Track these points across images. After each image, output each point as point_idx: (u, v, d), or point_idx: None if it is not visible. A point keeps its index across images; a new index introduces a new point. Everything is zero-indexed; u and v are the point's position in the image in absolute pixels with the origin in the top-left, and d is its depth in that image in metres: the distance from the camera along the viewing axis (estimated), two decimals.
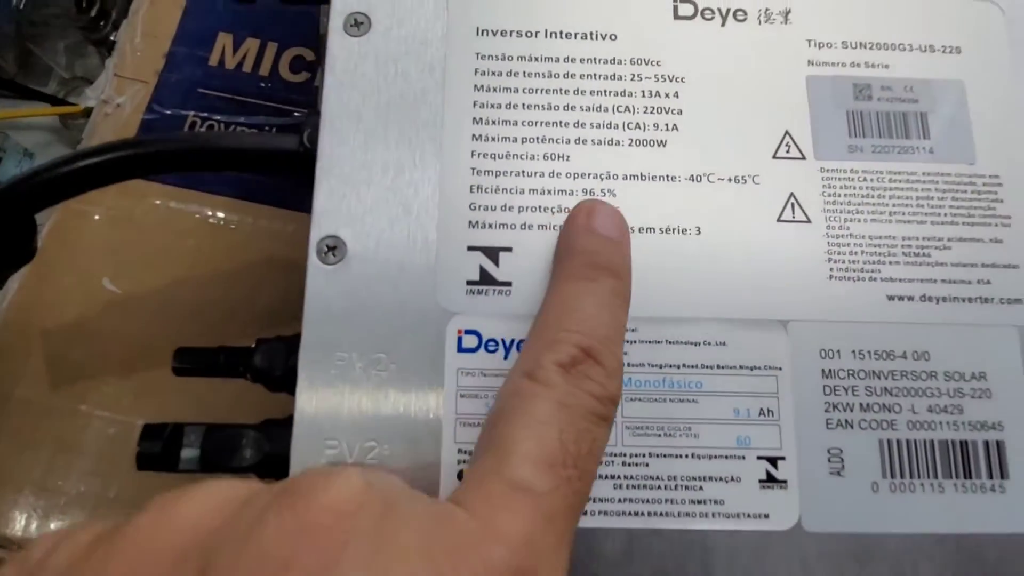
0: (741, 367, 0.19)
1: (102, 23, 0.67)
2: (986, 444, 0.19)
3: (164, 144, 0.21)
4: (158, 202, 0.33)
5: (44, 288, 0.32)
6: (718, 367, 0.19)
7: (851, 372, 0.19)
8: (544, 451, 0.14)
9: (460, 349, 0.18)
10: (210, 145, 0.21)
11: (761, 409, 0.18)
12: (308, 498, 0.12)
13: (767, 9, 0.21)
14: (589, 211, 0.19)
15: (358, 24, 0.21)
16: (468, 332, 0.19)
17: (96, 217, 0.33)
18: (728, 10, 0.21)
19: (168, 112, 0.35)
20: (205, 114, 0.35)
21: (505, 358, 0.18)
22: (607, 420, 0.16)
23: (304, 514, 0.11)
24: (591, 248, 0.18)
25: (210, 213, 0.33)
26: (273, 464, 0.18)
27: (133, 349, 0.31)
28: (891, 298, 0.19)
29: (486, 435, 0.16)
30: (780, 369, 0.19)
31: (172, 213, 0.33)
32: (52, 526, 0.29)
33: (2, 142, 0.63)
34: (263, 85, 0.35)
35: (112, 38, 0.51)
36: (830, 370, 0.19)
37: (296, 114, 0.35)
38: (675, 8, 0.21)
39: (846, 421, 0.18)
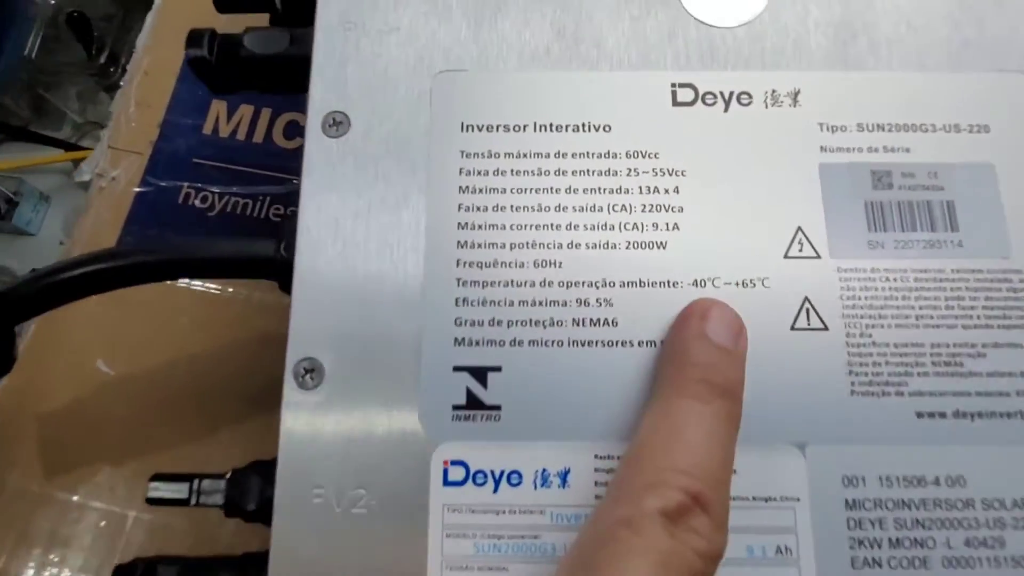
0: (754, 498, 0.17)
1: (112, 69, 0.67)
2: None
3: (141, 256, 0.20)
4: None
5: (37, 372, 0.31)
6: (731, 499, 0.17)
7: (878, 502, 0.17)
8: None
9: (446, 482, 0.17)
10: (186, 256, 0.20)
11: (778, 547, 0.17)
12: None
13: (774, 91, 0.20)
14: (703, 313, 0.17)
15: (337, 124, 0.19)
16: (455, 463, 0.17)
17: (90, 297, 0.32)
18: (731, 93, 0.20)
19: (163, 184, 0.34)
20: (199, 184, 0.34)
21: (495, 491, 0.17)
22: None
23: None
24: (706, 360, 0.16)
25: (207, 286, 0.32)
26: None
27: (127, 433, 0.30)
28: (920, 415, 0.17)
29: None
30: (798, 500, 0.17)
31: (165, 289, 0.32)
32: None
33: (18, 187, 0.63)
34: (258, 153, 0.34)
35: (122, 83, 0.51)
36: (855, 500, 0.17)
37: (295, 181, 0.34)
38: (673, 94, 0.20)
39: (874, 559, 0.17)
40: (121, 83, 0.51)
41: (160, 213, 0.34)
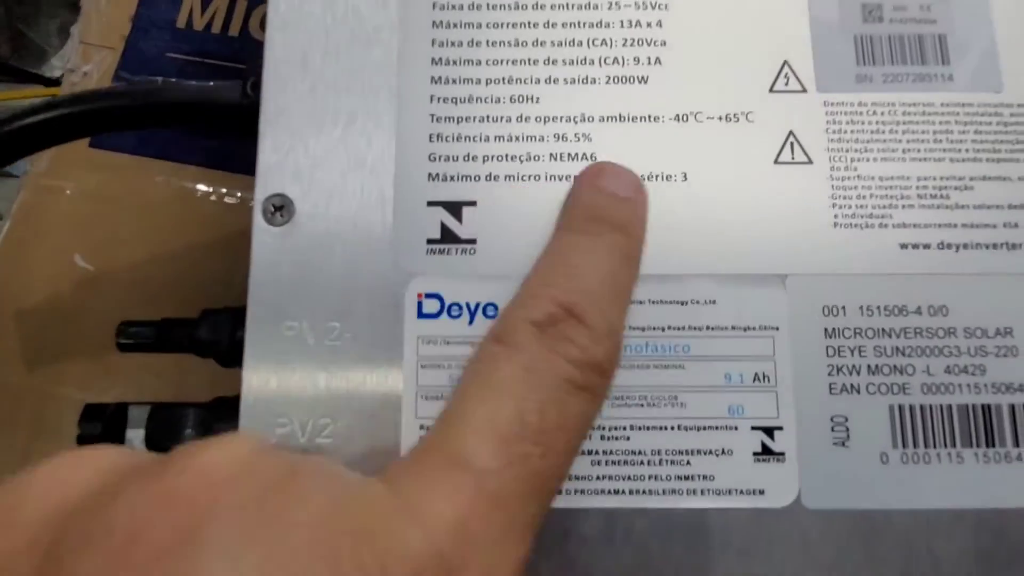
0: (733, 328, 0.17)
1: None
2: (1012, 408, 0.16)
3: (104, 101, 0.19)
4: (129, 174, 0.32)
5: (15, 268, 0.31)
6: (707, 328, 0.17)
7: (858, 331, 0.17)
8: (496, 423, 0.13)
9: (421, 315, 0.17)
10: (150, 100, 0.19)
11: (756, 374, 0.16)
12: (179, 465, 0.10)
13: None
14: (598, 170, 0.17)
15: None
16: (429, 296, 0.17)
17: (67, 192, 0.32)
18: None
19: (137, 79, 0.33)
20: (174, 80, 0.33)
21: (470, 323, 0.17)
22: (589, 390, 0.14)
23: (168, 482, 0.10)
24: (596, 202, 0.16)
25: (184, 184, 0.32)
26: None
27: (107, 328, 0.30)
28: (904, 246, 0.17)
29: (445, 406, 0.14)
30: (777, 329, 0.17)
31: (144, 186, 0.32)
32: None
33: None
34: (234, 46, 0.33)
35: None
36: (834, 329, 0.17)
37: None
38: None
39: (852, 386, 0.16)
40: None
41: None
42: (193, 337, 0.18)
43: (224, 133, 0.28)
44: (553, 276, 0.15)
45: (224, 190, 0.31)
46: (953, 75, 0.18)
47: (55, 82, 0.62)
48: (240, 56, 0.33)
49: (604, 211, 0.16)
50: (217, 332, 0.17)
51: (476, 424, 0.13)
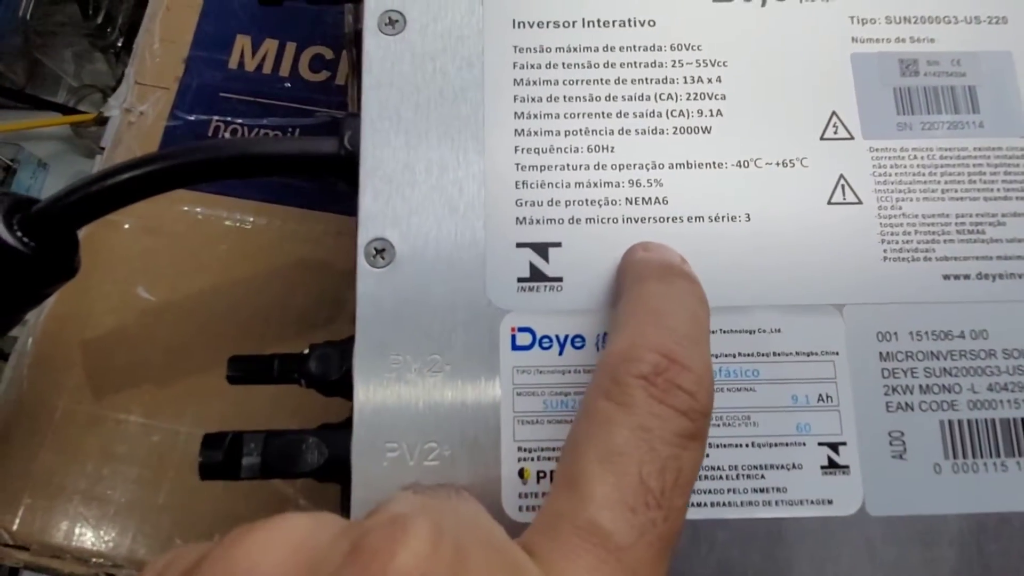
0: (798, 353, 0.18)
1: (108, 29, 0.67)
2: None
3: (207, 153, 0.21)
4: (186, 208, 0.33)
5: (80, 299, 0.32)
6: (774, 354, 0.18)
7: (909, 354, 0.19)
8: (624, 493, 0.13)
9: (515, 347, 0.18)
10: (252, 152, 0.21)
11: (820, 395, 0.18)
12: (380, 561, 0.11)
13: None
14: (644, 245, 0.19)
15: (392, 23, 0.20)
16: (522, 330, 0.19)
17: (126, 226, 0.33)
18: None
19: (191, 118, 0.35)
20: (228, 118, 0.35)
21: (560, 354, 0.18)
22: (697, 438, 0.14)
23: None
24: (656, 257, 0.18)
25: (239, 217, 0.33)
26: (334, 468, 0.18)
27: (171, 356, 0.31)
28: (947, 277, 0.19)
29: (562, 464, 0.14)
30: (837, 354, 0.18)
31: (201, 219, 0.33)
32: (102, 534, 0.29)
33: (16, 153, 0.63)
34: (284, 86, 0.35)
35: (119, 44, 0.51)
36: (888, 352, 0.19)
37: (319, 113, 0.35)
38: None
39: (906, 404, 0.18)
40: (118, 43, 0.51)
41: None
42: (302, 370, 0.19)
43: (317, 180, 0.30)
44: (645, 326, 0.15)
45: (279, 222, 0.33)
46: (983, 122, 0.20)
47: (69, 109, 0.63)
48: (291, 96, 0.35)
49: (669, 264, 0.17)
50: (326, 365, 0.19)
51: (605, 494, 0.13)
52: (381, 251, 0.19)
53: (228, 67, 0.35)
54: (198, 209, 0.33)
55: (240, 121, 0.34)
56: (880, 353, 0.19)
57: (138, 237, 0.33)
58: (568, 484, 0.14)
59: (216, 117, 0.35)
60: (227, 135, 0.34)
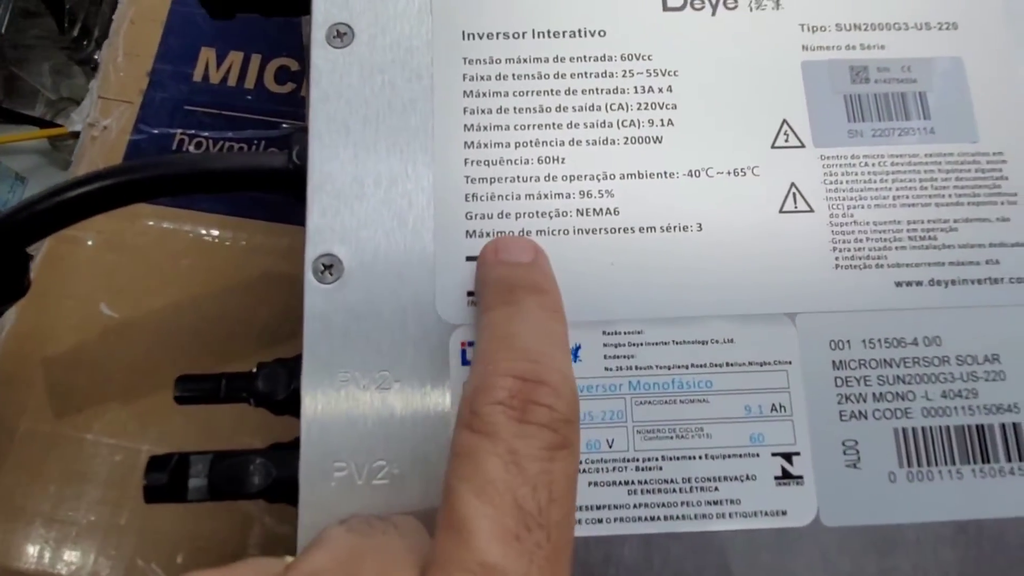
0: (751, 363, 0.18)
1: (85, 42, 0.66)
2: (1003, 427, 0.18)
3: (155, 169, 0.20)
4: (150, 223, 0.33)
5: (41, 317, 0.31)
6: (727, 365, 0.18)
7: (862, 362, 0.18)
8: (504, 521, 0.13)
9: (465, 362, 0.18)
10: (200, 168, 0.20)
11: (773, 405, 0.18)
12: None
13: None
14: (495, 247, 0.18)
15: (341, 35, 0.20)
16: (472, 344, 0.18)
17: (89, 243, 0.33)
18: None
19: (155, 131, 0.34)
20: (192, 131, 0.34)
21: None
22: (565, 447, 0.14)
23: None
24: (503, 274, 0.17)
25: (203, 231, 0.33)
26: (281, 489, 0.18)
27: (134, 374, 0.31)
28: (899, 284, 0.19)
29: (442, 507, 0.14)
30: (790, 363, 0.18)
31: (165, 234, 0.33)
32: (64, 557, 0.28)
33: None
34: (249, 98, 0.35)
35: (96, 57, 0.50)
36: (841, 361, 0.18)
37: (284, 125, 0.35)
38: (664, 0, 0.21)
39: (860, 412, 0.18)
40: (96, 56, 0.50)
41: None
42: (250, 389, 0.19)
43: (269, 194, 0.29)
44: (498, 353, 0.15)
45: (245, 236, 0.33)
46: (934, 128, 0.20)
47: (47, 123, 0.62)
48: (256, 108, 0.34)
49: (514, 280, 0.17)
50: (274, 384, 0.19)
51: (487, 529, 0.13)
52: (329, 267, 0.19)
53: (193, 80, 0.35)
54: (163, 224, 0.33)
55: (205, 134, 0.34)
56: (833, 362, 0.18)
57: (101, 253, 0.32)
58: (451, 526, 0.13)
59: (180, 130, 0.34)
60: (191, 148, 0.34)
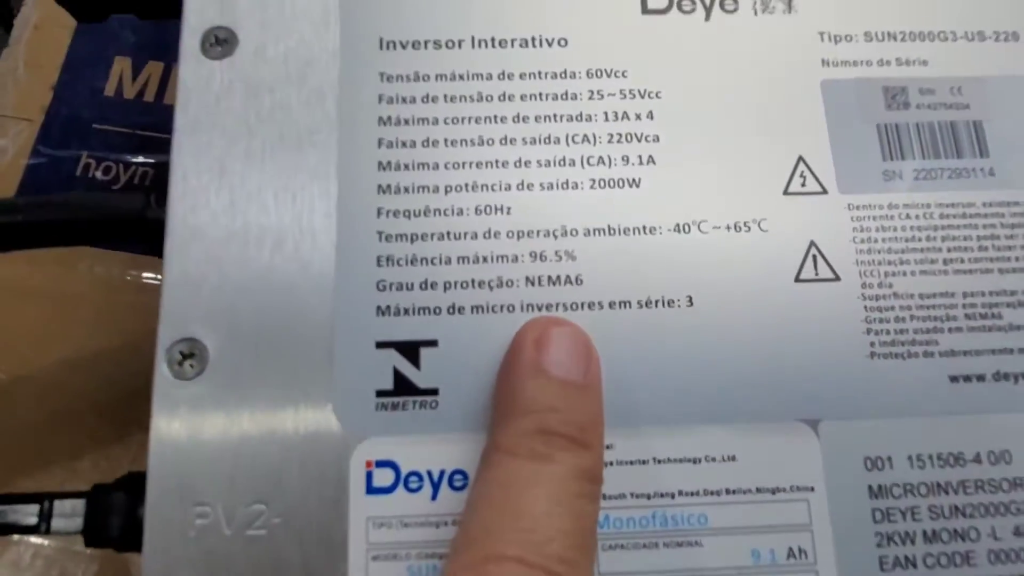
0: (759, 490, 0.14)
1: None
2: None
3: None
4: (47, 263, 0.28)
5: None
6: (727, 492, 0.14)
7: (909, 487, 0.14)
8: None
9: (370, 489, 0.13)
10: (36, 219, 0.16)
11: (790, 550, 0.13)
12: None
13: None
14: (538, 340, 0.13)
15: (220, 42, 0.15)
16: (381, 464, 0.13)
17: None
18: None
19: (57, 154, 0.29)
20: (100, 154, 0.29)
21: (433, 498, 0.13)
22: None
23: None
24: (544, 404, 0.13)
25: (109, 271, 0.28)
26: None
27: (16, 445, 0.26)
28: (954, 379, 0.14)
29: None
30: (812, 490, 0.14)
31: (62, 274, 0.28)
32: None
33: None
34: (169, 116, 0.30)
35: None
36: (880, 486, 0.14)
37: None
38: (643, 0, 0.16)
39: (907, 558, 0.13)
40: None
41: (54, 187, 0.29)
42: (82, 520, 0.14)
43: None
44: (505, 535, 0.11)
45: (157, 276, 0.28)
46: (994, 169, 0.15)
47: None
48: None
49: (557, 421, 0.12)
50: (104, 518, 0.14)
51: None
52: (189, 356, 0.14)
53: (104, 94, 0.30)
54: (62, 263, 0.28)
55: (114, 156, 0.29)
56: (870, 487, 0.14)
57: None
58: None
59: (87, 152, 0.29)
60: (99, 174, 0.29)
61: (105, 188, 0.29)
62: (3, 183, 0.29)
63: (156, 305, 0.29)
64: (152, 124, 0.30)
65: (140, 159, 0.29)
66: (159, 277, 0.27)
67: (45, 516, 0.14)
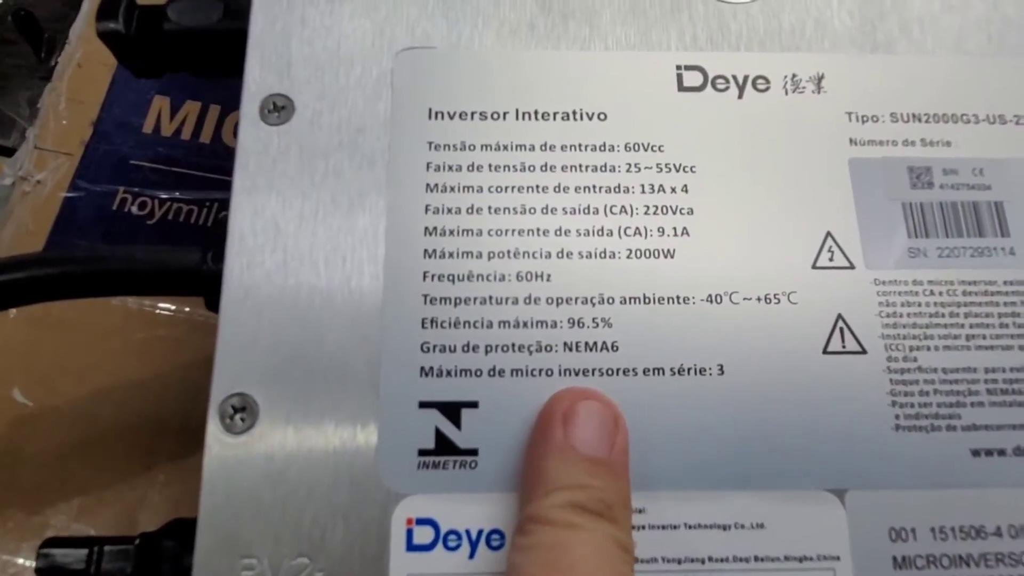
0: (787, 558, 0.14)
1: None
2: None
3: (34, 270, 0.16)
4: None
5: None
6: (755, 559, 0.14)
7: (932, 559, 0.14)
8: None
9: (411, 547, 0.14)
10: (93, 269, 0.16)
11: None
12: None
13: (794, 75, 0.17)
14: (567, 414, 0.14)
15: (278, 109, 0.16)
16: (421, 522, 0.14)
17: (10, 315, 0.29)
18: (746, 77, 0.17)
19: (96, 188, 0.30)
20: (137, 189, 0.30)
21: (471, 557, 0.14)
22: None
23: None
24: (571, 481, 0.13)
25: (136, 303, 0.29)
26: None
27: (46, 474, 0.26)
28: (977, 453, 0.15)
29: None
30: (838, 559, 0.14)
31: (92, 306, 0.28)
32: None
33: None
34: (204, 154, 0.31)
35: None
36: (904, 557, 0.14)
37: None
38: (679, 78, 0.17)
39: None
40: None
41: (91, 221, 0.30)
42: (131, 567, 0.14)
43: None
44: None
45: (188, 308, 0.28)
46: (1014, 248, 0.16)
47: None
48: (211, 165, 0.30)
49: (586, 497, 0.13)
50: (155, 565, 0.14)
51: None
52: (240, 410, 0.14)
53: (142, 131, 0.31)
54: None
55: (150, 192, 0.30)
56: (894, 558, 0.14)
57: (19, 328, 0.28)
58: None
59: (123, 188, 0.30)
60: (135, 209, 0.30)
61: (140, 222, 0.30)
62: (41, 215, 0.30)
63: (184, 337, 0.29)
64: (187, 161, 0.31)
65: (177, 194, 0.30)
66: (187, 309, 0.28)
67: (95, 561, 0.15)
